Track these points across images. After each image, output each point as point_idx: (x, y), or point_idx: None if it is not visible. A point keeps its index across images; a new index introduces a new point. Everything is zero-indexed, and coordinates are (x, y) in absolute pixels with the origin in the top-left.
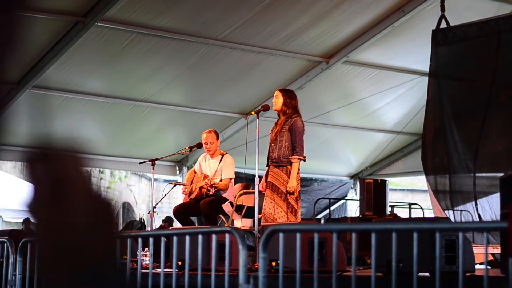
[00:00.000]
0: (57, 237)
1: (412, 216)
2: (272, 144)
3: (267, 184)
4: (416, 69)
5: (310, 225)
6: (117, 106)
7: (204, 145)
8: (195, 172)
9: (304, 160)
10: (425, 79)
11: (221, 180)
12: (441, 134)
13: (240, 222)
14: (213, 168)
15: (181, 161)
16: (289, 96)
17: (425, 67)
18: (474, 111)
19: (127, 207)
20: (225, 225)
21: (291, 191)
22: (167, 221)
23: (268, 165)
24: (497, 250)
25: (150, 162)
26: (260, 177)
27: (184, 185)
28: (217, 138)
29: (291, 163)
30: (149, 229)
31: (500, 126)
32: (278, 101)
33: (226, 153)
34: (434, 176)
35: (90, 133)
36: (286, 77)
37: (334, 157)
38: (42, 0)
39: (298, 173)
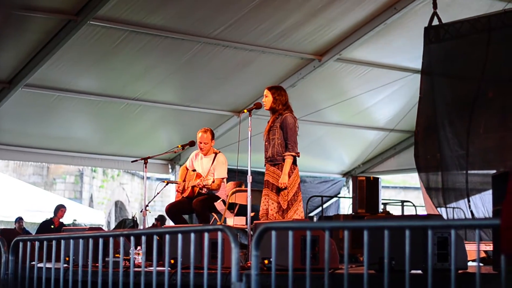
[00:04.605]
0: None
1: (405, 213)
2: (266, 143)
3: (264, 184)
4: (408, 66)
5: (303, 223)
6: (110, 104)
7: (198, 144)
8: (187, 169)
9: (298, 156)
10: (417, 76)
11: (213, 181)
12: (434, 131)
13: (233, 220)
14: (206, 167)
15: (174, 160)
16: (278, 93)
17: (417, 64)
18: (466, 108)
19: (119, 205)
20: (218, 223)
21: (282, 187)
22: (160, 219)
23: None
24: (490, 247)
25: (143, 161)
26: (252, 175)
27: (177, 183)
28: (212, 138)
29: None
30: (141, 227)
31: (489, 123)
32: (267, 99)
33: (220, 152)
34: (426, 173)
35: (83, 132)
36: (279, 75)
37: (327, 155)
38: None
39: (296, 169)
